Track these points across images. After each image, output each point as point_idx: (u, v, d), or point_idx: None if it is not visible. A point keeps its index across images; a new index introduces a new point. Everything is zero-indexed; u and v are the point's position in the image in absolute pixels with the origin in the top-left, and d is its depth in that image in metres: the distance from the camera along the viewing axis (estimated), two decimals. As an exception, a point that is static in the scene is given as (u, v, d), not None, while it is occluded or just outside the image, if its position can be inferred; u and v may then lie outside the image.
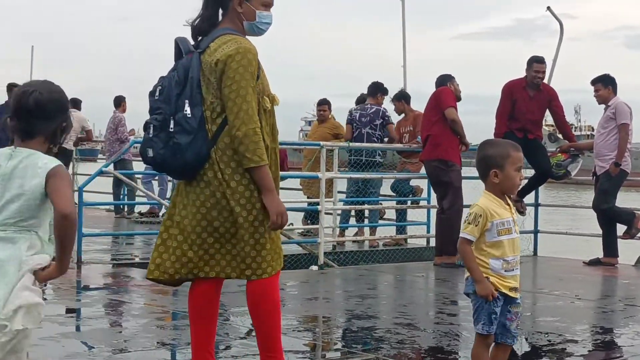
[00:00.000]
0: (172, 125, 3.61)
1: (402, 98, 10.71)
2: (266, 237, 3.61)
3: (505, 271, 3.65)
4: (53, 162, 2.83)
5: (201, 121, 3.58)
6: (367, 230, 10.94)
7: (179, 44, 3.74)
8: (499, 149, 3.72)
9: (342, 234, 10.67)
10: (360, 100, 10.90)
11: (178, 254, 3.62)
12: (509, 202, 3.75)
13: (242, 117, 3.51)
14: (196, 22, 3.75)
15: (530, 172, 9.18)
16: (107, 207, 14.00)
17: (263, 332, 3.70)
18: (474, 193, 10.54)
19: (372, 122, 10.17)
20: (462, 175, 8.57)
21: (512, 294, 3.67)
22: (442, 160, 8.36)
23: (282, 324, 3.60)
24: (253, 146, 3.50)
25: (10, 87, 12.90)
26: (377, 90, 10.60)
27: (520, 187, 9.18)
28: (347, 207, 10.75)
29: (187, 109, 3.59)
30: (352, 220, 11.21)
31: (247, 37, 3.72)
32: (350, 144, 9.88)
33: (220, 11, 3.77)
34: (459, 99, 8.69)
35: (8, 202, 2.80)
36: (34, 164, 2.80)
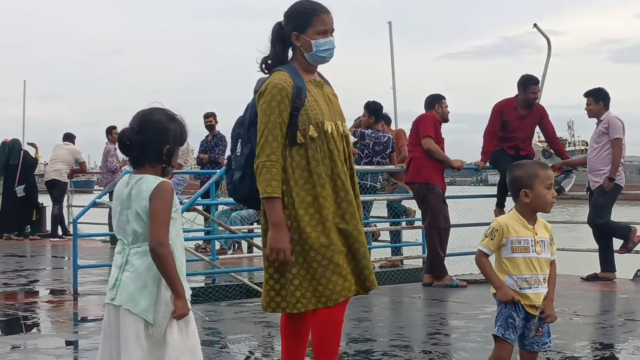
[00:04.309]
0: (233, 164, 3.89)
1: (382, 119, 10.64)
2: (269, 273, 3.77)
3: (520, 289, 3.69)
4: (155, 182, 3.08)
5: (249, 159, 3.75)
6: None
7: (256, 84, 3.90)
8: (526, 169, 3.81)
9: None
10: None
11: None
12: (537, 224, 3.79)
13: (257, 151, 3.68)
14: (268, 61, 3.87)
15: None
16: (103, 238, 13.96)
17: None
18: (469, 213, 10.59)
19: (384, 152, 9.92)
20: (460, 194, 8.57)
21: (530, 311, 3.73)
22: (423, 183, 8.42)
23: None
24: (261, 178, 3.65)
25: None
26: (381, 116, 10.23)
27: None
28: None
29: (239, 148, 3.84)
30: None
31: (311, 67, 3.86)
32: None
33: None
34: (446, 120, 8.72)
35: (132, 222, 3.11)
36: (141, 188, 3.10)
